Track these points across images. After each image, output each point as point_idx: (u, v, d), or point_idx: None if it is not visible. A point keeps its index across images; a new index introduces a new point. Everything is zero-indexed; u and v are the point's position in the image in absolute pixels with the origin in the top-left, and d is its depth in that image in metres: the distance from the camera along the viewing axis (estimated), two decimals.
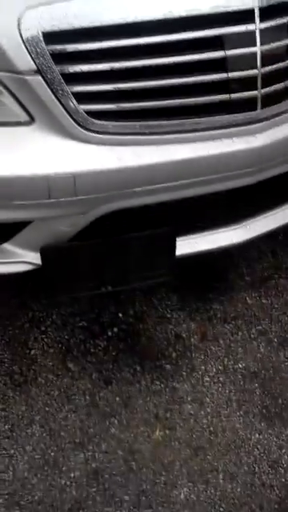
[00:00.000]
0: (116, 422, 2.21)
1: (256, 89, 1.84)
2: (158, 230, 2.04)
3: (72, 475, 2.09)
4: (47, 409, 2.23)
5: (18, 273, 2.03)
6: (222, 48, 1.77)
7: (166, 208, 2.02)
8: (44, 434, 2.17)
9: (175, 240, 2.07)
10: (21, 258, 1.98)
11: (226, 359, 2.39)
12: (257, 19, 1.77)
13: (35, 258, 1.97)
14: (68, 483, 2.07)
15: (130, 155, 1.82)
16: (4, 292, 2.53)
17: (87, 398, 2.26)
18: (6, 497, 2.03)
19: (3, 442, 2.15)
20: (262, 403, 2.27)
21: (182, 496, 2.06)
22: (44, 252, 1.94)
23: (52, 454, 2.13)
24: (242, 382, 2.33)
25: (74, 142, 1.78)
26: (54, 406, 2.24)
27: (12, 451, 2.13)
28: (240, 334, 2.47)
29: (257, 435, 2.20)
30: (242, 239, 2.19)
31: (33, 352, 2.37)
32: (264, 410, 2.26)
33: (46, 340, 2.41)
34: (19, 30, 1.64)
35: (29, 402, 2.24)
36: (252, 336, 2.47)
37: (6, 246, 1.96)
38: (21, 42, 1.65)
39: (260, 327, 2.50)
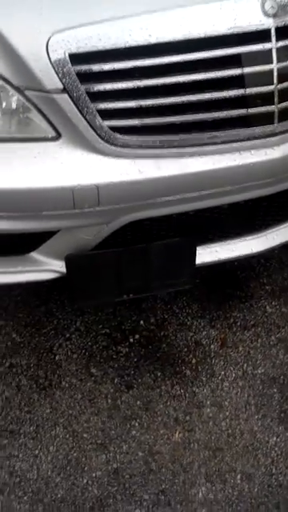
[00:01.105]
0: (137, 424, 2.25)
1: (273, 104, 1.86)
2: (179, 239, 2.09)
3: (94, 475, 2.13)
4: (70, 411, 2.28)
5: (44, 281, 2.09)
6: (240, 66, 1.80)
7: (186, 218, 2.07)
8: (67, 436, 2.22)
9: (195, 249, 2.12)
10: (47, 267, 2.04)
11: (245, 365, 2.42)
12: (273, 38, 1.80)
13: (60, 266, 2.02)
14: (90, 482, 2.12)
15: (151, 168, 1.86)
16: (30, 300, 2.59)
17: (109, 401, 2.31)
18: (31, 494, 2.09)
19: (28, 442, 2.20)
20: (280, 407, 2.30)
21: (200, 495, 2.10)
22: (68, 260, 2.00)
23: (75, 454, 2.18)
24: (260, 387, 2.36)
25: (97, 155, 1.83)
26: (77, 408, 2.29)
27: (36, 451, 2.19)
28: (259, 341, 2.50)
29: (274, 438, 2.23)
30: (261, 248, 2.22)
31: (57, 357, 2.42)
32: (282, 414, 2.28)
33: (70, 346, 2.46)
34: (47, 51, 1.71)
35: (53, 405, 2.29)
36: (271, 343, 2.49)
37: (33, 254, 2.02)
38: (48, 62, 1.71)
39: (279, 335, 2.52)
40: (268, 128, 1.91)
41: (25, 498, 2.09)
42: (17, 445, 2.20)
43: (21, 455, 2.18)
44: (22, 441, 2.21)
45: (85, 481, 2.13)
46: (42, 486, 2.11)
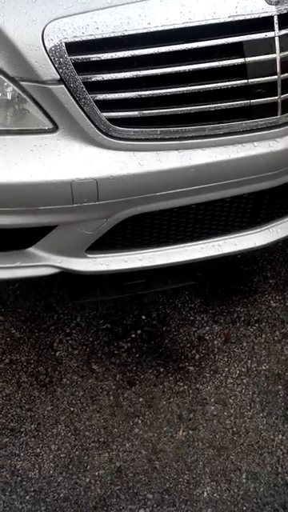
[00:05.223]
0: (140, 422, 2.23)
1: (276, 94, 1.84)
2: None
3: (96, 473, 2.11)
4: (72, 409, 2.26)
5: (44, 276, 2.07)
6: (242, 55, 1.77)
7: (188, 211, 2.05)
8: (69, 434, 2.20)
9: None
10: (46, 262, 2.01)
11: (249, 361, 2.39)
12: (276, 26, 1.77)
13: (59, 261, 2.00)
14: (92, 481, 2.10)
15: (152, 160, 1.84)
16: (30, 295, 2.57)
17: (111, 398, 2.28)
18: (33, 494, 2.07)
19: (29, 441, 2.18)
20: (285, 405, 2.27)
21: (205, 495, 2.07)
22: None
23: (77, 452, 2.16)
24: (265, 384, 2.33)
25: (96, 148, 1.81)
26: (79, 406, 2.27)
27: (38, 450, 2.16)
28: (264, 336, 2.47)
29: (280, 436, 2.20)
30: (264, 242, 2.20)
31: (58, 354, 2.40)
32: (287, 412, 2.25)
33: (70, 342, 2.44)
34: (43, 40, 1.68)
35: (54, 403, 2.27)
36: (276, 338, 2.47)
37: (32, 249, 1.99)
38: (44, 52, 1.68)
39: (284, 330, 2.49)
40: (271, 119, 1.89)
41: (27, 497, 2.07)
42: (18, 443, 2.18)
43: (22, 454, 2.16)
44: (23, 439, 2.19)
45: (87, 480, 2.11)
46: (44, 486, 2.09)
